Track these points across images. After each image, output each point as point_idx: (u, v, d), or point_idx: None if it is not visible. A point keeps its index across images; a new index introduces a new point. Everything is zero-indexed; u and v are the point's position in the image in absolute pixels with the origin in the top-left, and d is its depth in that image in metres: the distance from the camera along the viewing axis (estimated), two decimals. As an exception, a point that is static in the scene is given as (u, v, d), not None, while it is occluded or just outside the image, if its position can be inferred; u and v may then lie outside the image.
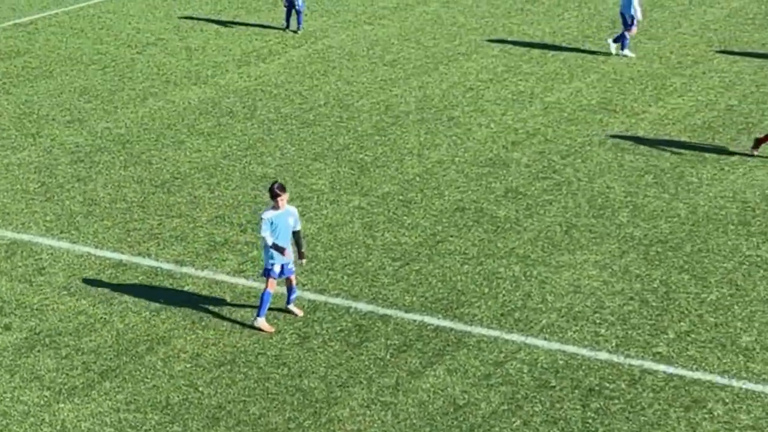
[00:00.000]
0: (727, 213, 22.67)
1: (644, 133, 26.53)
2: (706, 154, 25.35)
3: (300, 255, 19.01)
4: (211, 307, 19.58)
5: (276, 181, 18.82)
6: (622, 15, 31.30)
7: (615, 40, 31.67)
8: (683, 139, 26.22)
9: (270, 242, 18.50)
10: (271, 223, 18.54)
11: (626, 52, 31.45)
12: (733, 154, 25.35)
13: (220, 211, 23.09)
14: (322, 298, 19.82)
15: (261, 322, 18.90)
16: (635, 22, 31.19)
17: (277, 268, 18.72)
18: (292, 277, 19.05)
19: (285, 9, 34.19)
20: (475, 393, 17.28)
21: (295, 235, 18.87)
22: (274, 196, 18.53)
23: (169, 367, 17.97)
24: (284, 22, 34.34)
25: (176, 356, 18.25)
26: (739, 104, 28.20)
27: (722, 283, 20.14)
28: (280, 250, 18.57)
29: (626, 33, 31.33)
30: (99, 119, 27.95)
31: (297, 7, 33.76)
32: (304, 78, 30.51)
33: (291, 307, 19.33)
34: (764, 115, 27.46)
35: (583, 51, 32.20)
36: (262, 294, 18.82)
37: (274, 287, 18.89)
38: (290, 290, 19.23)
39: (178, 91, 29.76)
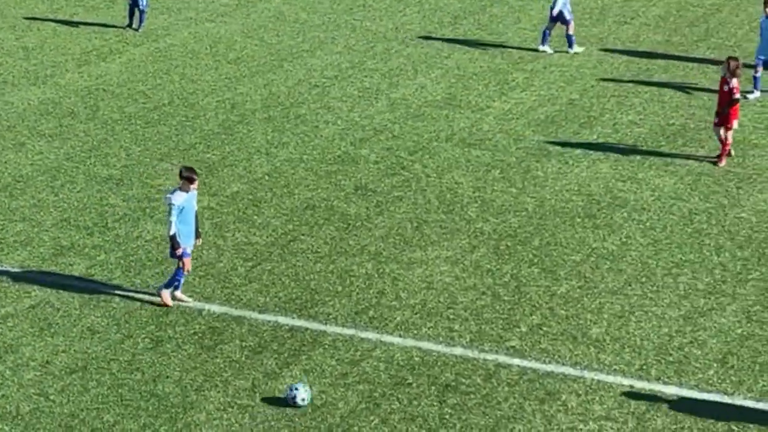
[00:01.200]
0: (573, 206, 23.04)
1: (489, 128, 26.81)
2: (551, 148, 25.73)
3: (197, 235, 19.28)
4: (59, 313, 19.17)
5: (186, 166, 19.03)
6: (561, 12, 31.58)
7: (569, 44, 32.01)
8: (528, 133, 26.57)
9: (173, 232, 18.66)
10: (181, 209, 18.64)
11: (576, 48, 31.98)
12: (576, 147, 25.79)
13: (66, 214, 22.61)
14: (174, 301, 19.54)
15: (165, 293, 19.20)
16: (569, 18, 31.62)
17: (188, 250, 18.99)
18: (188, 260, 19.19)
19: (128, 7, 33.65)
20: (332, 393, 17.24)
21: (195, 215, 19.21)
22: (191, 181, 18.66)
23: (19, 376, 17.53)
24: (127, 20, 33.80)
25: (25, 364, 17.81)
26: (581, 98, 28.69)
27: (571, 275, 20.47)
28: (176, 245, 18.73)
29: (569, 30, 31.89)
30: (-65, 122, 27.15)
31: (140, 6, 33.24)
32: (147, 77, 30.08)
33: (179, 294, 19.37)
34: (605, 108, 27.98)
35: (426, 47, 32.40)
36: (177, 272, 19.08)
37: (189, 266, 19.21)
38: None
39: (17, 92, 29.06)
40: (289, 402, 16.76)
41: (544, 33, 31.87)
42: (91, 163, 24.90)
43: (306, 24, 34.49)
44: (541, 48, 31.80)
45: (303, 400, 16.75)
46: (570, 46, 31.76)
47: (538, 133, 26.55)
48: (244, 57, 31.57)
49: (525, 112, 27.76)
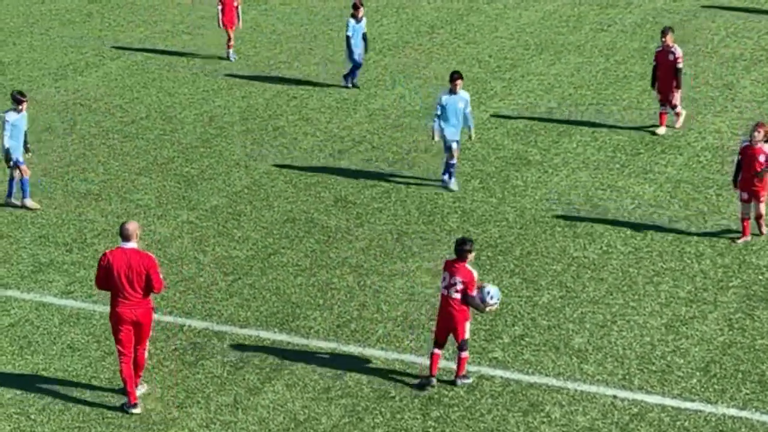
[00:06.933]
0: (553, 215, 23.02)
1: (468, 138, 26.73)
2: (530, 157, 25.71)
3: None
4: (39, 331, 19.04)
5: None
6: None
7: None
8: (506, 142, 26.54)
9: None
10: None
11: None
12: (555, 156, 25.77)
13: (44, 230, 22.49)
14: (154, 316, 19.41)
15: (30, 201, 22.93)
16: None
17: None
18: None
19: (349, 66, 30.07)
20: (315, 407, 17.17)
21: None
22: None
23: (-1, 396, 17.43)
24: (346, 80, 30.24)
25: (5, 384, 17.68)
26: (559, 107, 28.69)
27: (552, 285, 20.44)
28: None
29: None
30: None
31: (358, 60, 29.79)
32: (124, 90, 29.97)
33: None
34: (583, 116, 28.00)
35: (404, 56, 32.37)
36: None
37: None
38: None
39: (-7, 106, 28.89)
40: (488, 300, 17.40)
41: None
42: (69, 179, 24.78)
43: (282, 35, 34.44)
44: None
45: (491, 297, 17.36)
46: None
47: (516, 142, 26.53)
48: (221, 69, 31.48)
49: (504, 121, 27.75)
